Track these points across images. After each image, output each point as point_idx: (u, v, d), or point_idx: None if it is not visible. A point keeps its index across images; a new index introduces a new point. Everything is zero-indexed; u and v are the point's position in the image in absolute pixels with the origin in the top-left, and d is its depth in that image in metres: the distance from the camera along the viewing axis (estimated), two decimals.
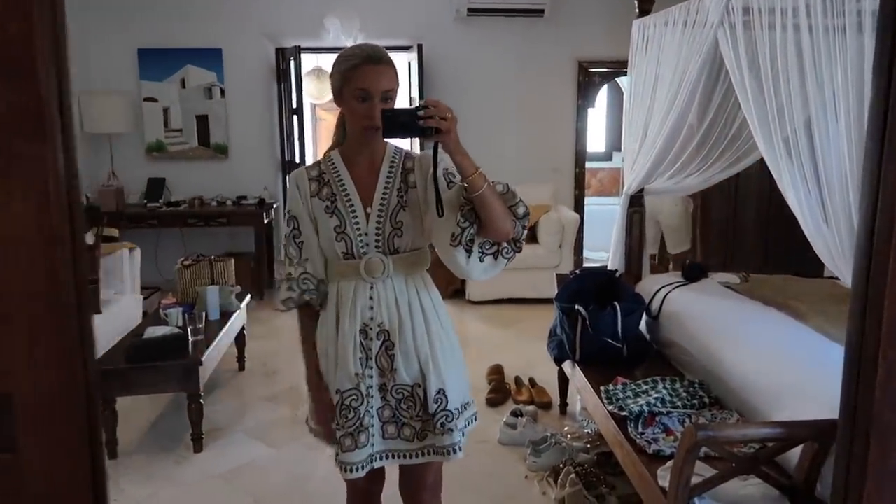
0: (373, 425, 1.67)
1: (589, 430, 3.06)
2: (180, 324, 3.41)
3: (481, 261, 1.59)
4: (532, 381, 3.63)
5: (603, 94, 7.90)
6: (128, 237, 5.11)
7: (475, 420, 1.80)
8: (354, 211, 1.65)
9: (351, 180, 1.67)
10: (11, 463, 0.66)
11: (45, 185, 0.63)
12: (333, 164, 1.70)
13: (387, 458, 1.72)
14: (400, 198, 1.66)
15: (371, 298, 1.66)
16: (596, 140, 8.11)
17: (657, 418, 2.28)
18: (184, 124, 5.76)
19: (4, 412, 0.66)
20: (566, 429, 3.13)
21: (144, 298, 4.90)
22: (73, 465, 0.67)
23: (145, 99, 5.66)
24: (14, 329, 0.66)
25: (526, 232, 1.62)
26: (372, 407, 1.67)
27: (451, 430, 1.67)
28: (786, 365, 2.21)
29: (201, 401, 3.11)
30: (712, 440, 1.67)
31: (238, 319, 3.88)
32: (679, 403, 2.34)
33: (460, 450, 1.70)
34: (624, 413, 2.33)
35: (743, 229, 4.86)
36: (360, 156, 1.69)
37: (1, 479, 0.67)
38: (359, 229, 1.65)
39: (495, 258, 1.61)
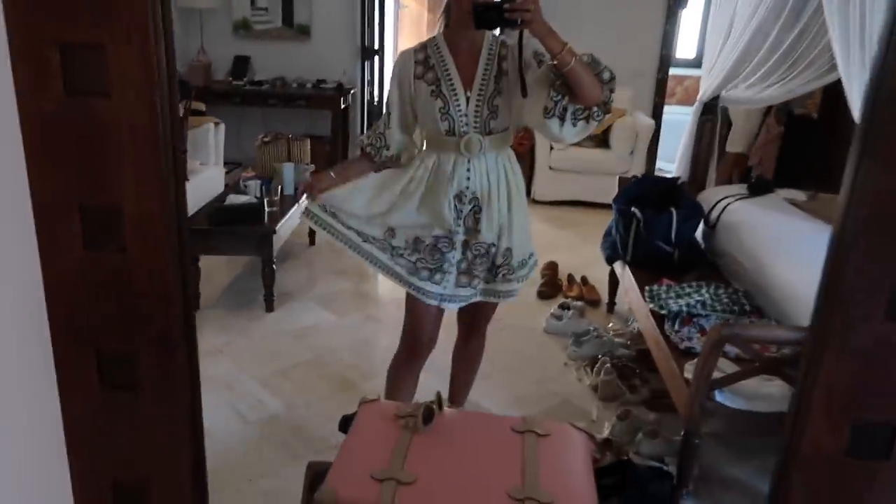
0: (450, 272, 1.95)
1: (632, 330, 3.19)
2: (258, 195, 3.66)
3: (574, 125, 1.77)
4: (584, 279, 3.75)
5: None
6: (213, 113, 5.36)
7: (534, 268, 2.09)
8: (456, 95, 1.86)
9: (455, 66, 1.86)
10: (122, 261, 0.85)
11: (145, 33, 0.77)
12: (438, 48, 1.89)
13: (454, 301, 2.01)
14: (497, 84, 1.86)
15: (468, 171, 1.90)
16: (687, 45, 7.69)
17: (695, 319, 2.37)
18: (270, 3, 5.82)
19: (117, 221, 0.83)
20: (610, 325, 3.27)
21: (227, 172, 5.20)
22: (166, 265, 0.85)
23: None
24: (122, 155, 0.82)
25: (613, 94, 1.77)
26: (453, 258, 1.94)
27: (510, 280, 1.99)
28: None
29: (274, 266, 3.40)
30: (737, 338, 1.77)
31: None
32: (719, 308, 2.42)
33: (513, 296, 2.04)
34: (664, 312, 2.43)
35: (806, 146, 4.63)
36: (463, 42, 1.87)
37: (115, 274, 0.85)
38: (460, 111, 1.86)
39: (587, 122, 1.77)
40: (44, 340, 0.89)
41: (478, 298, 2.03)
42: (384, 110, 2.03)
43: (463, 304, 2.03)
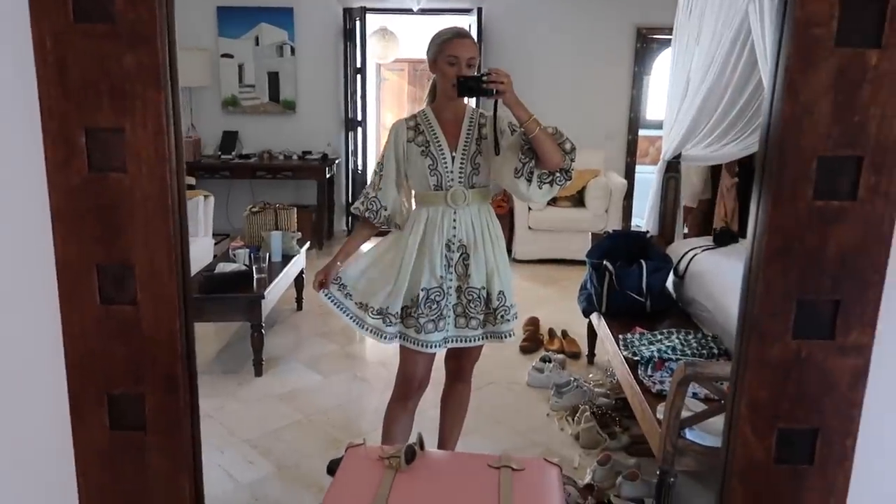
0: (449, 316, 2.16)
1: (612, 381, 3.29)
2: (247, 263, 3.79)
3: (540, 188, 2.04)
4: (564, 332, 3.87)
5: (667, 62, 7.85)
6: (202, 186, 5.55)
7: (516, 316, 2.27)
8: (444, 154, 2.12)
9: (441, 131, 2.14)
10: (133, 312, 0.97)
11: (159, 119, 0.92)
12: (427, 117, 2.17)
13: (457, 341, 2.21)
14: (477, 145, 2.14)
15: (454, 221, 2.13)
16: (656, 108, 8.10)
17: (666, 363, 2.50)
18: (256, 80, 6.13)
19: (129, 277, 0.97)
20: (590, 376, 3.37)
21: (216, 243, 5.35)
22: (172, 317, 0.98)
23: (222, 55, 6.04)
24: (136, 222, 0.96)
25: (573, 163, 2.06)
26: (449, 303, 2.16)
27: (508, 321, 2.21)
28: None
29: (262, 331, 3.49)
30: (700, 376, 1.89)
31: (297, 263, 4.25)
32: (689, 352, 2.55)
33: (513, 335, 2.25)
34: (637, 358, 2.56)
35: None
36: (447, 112, 2.15)
37: (127, 324, 0.98)
38: (447, 167, 2.12)
39: (551, 185, 2.05)
40: (60, 385, 1.01)
41: (483, 341, 2.23)
42: (373, 176, 2.24)
43: (468, 345, 2.22)
